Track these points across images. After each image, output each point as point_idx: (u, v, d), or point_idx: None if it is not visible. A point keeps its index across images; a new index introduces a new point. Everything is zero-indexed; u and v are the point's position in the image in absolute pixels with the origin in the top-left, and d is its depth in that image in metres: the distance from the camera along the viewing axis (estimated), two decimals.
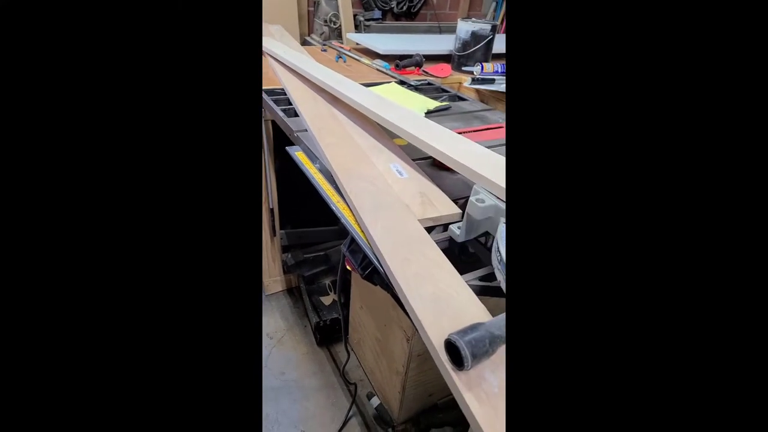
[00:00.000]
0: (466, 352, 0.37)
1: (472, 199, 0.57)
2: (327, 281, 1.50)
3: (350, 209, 0.66)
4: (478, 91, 1.38)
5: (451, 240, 0.63)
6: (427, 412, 1.17)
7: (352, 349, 1.37)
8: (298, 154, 0.84)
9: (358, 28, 2.55)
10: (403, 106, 0.90)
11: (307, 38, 2.53)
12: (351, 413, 1.19)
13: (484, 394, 0.38)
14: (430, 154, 0.72)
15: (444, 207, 0.65)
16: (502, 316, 0.41)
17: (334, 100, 1.02)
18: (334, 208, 0.68)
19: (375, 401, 1.19)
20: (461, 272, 0.57)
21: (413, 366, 1.03)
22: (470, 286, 0.52)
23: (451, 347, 0.39)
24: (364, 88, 1.00)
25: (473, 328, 0.39)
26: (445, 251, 0.63)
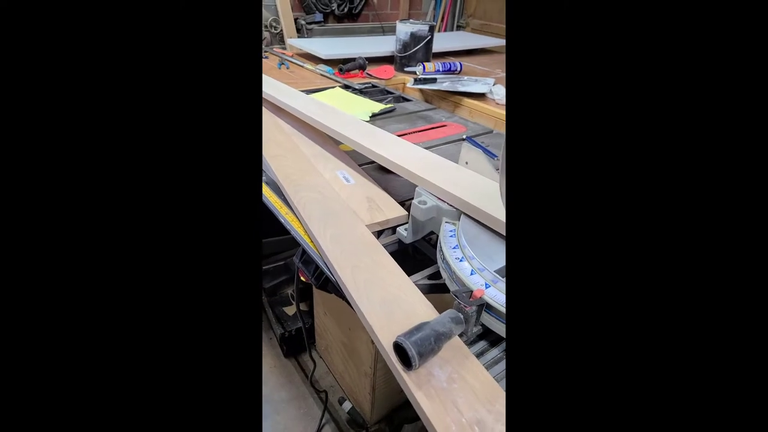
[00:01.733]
0: (413, 352, 0.39)
1: (414, 201, 0.59)
2: (289, 291, 1.48)
3: (299, 220, 0.66)
4: (421, 90, 1.41)
5: (400, 242, 0.65)
6: (399, 408, 1.19)
7: (321, 356, 1.36)
8: None
9: (300, 32, 2.52)
10: (345, 112, 0.91)
11: None
12: (324, 421, 1.19)
13: (432, 390, 0.40)
14: (372, 159, 0.73)
15: (391, 211, 0.67)
16: (446, 314, 0.43)
17: (277, 110, 1.01)
18: (282, 220, 0.68)
19: (347, 405, 1.20)
20: (413, 272, 0.59)
21: (380, 366, 1.05)
22: (419, 285, 0.54)
23: (399, 349, 0.40)
24: (305, 95, 1.00)
25: (419, 328, 0.41)
26: (396, 252, 0.65)
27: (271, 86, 1.05)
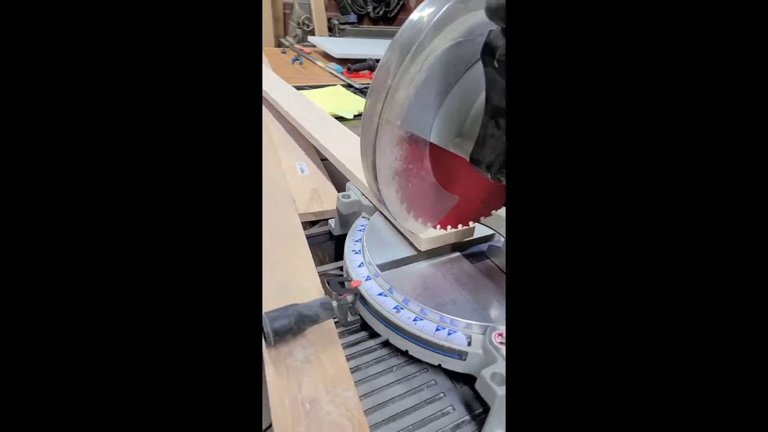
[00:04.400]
0: (268, 328, 0.41)
1: (339, 195, 0.61)
2: None
3: None
4: None
5: (330, 233, 0.67)
6: None
7: None
8: None
9: (332, 31, 2.60)
10: (321, 108, 0.95)
11: (282, 40, 2.58)
12: None
13: (284, 367, 0.42)
14: (315, 146, 0.76)
15: (330, 203, 0.70)
16: (317, 299, 0.46)
17: (266, 102, 1.06)
18: None
19: None
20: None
21: None
22: (330, 274, 0.57)
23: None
24: (290, 87, 1.05)
25: (285, 309, 0.43)
26: (328, 243, 0.68)
27: (264, 77, 1.11)
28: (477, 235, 0.55)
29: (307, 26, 2.45)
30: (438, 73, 0.35)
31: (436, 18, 0.32)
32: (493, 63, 0.30)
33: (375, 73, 0.35)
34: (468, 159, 0.38)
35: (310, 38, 1.95)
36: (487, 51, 0.30)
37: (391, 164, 0.39)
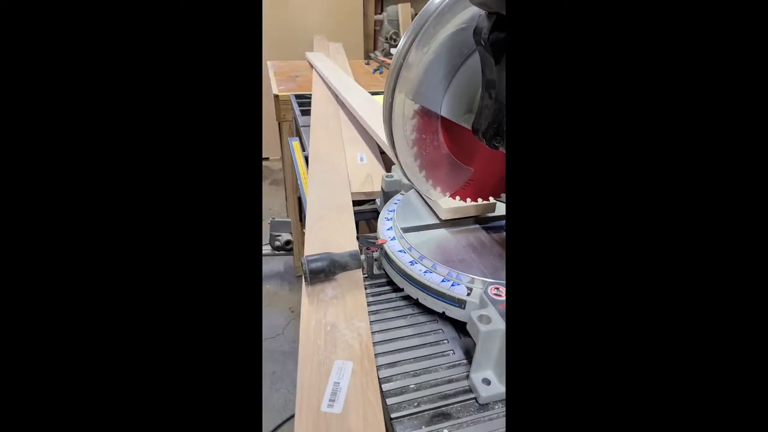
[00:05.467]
0: (306, 267, 0.51)
1: (383, 174, 0.70)
2: None
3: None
4: None
5: (376, 210, 0.76)
6: None
7: None
8: (294, 144, 1.04)
9: None
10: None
11: (371, 54, 2.79)
12: None
13: (317, 299, 0.51)
14: (376, 139, 0.86)
15: (380, 185, 0.79)
16: (348, 251, 0.54)
17: (343, 104, 1.20)
18: (300, 183, 0.86)
19: None
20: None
21: None
22: (369, 239, 0.66)
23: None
24: (366, 93, 1.18)
25: (321, 254, 0.53)
26: (376, 218, 0.77)
27: (338, 80, 1.26)
28: (502, 212, 0.59)
29: (394, 40, 2.61)
30: (444, 55, 0.42)
31: (441, 7, 0.40)
32: (480, 42, 0.36)
33: (394, 54, 0.43)
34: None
35: (392, 50, 2.10)
36: (476, 32, 0.37)
37: (408, 134, 0.46)
